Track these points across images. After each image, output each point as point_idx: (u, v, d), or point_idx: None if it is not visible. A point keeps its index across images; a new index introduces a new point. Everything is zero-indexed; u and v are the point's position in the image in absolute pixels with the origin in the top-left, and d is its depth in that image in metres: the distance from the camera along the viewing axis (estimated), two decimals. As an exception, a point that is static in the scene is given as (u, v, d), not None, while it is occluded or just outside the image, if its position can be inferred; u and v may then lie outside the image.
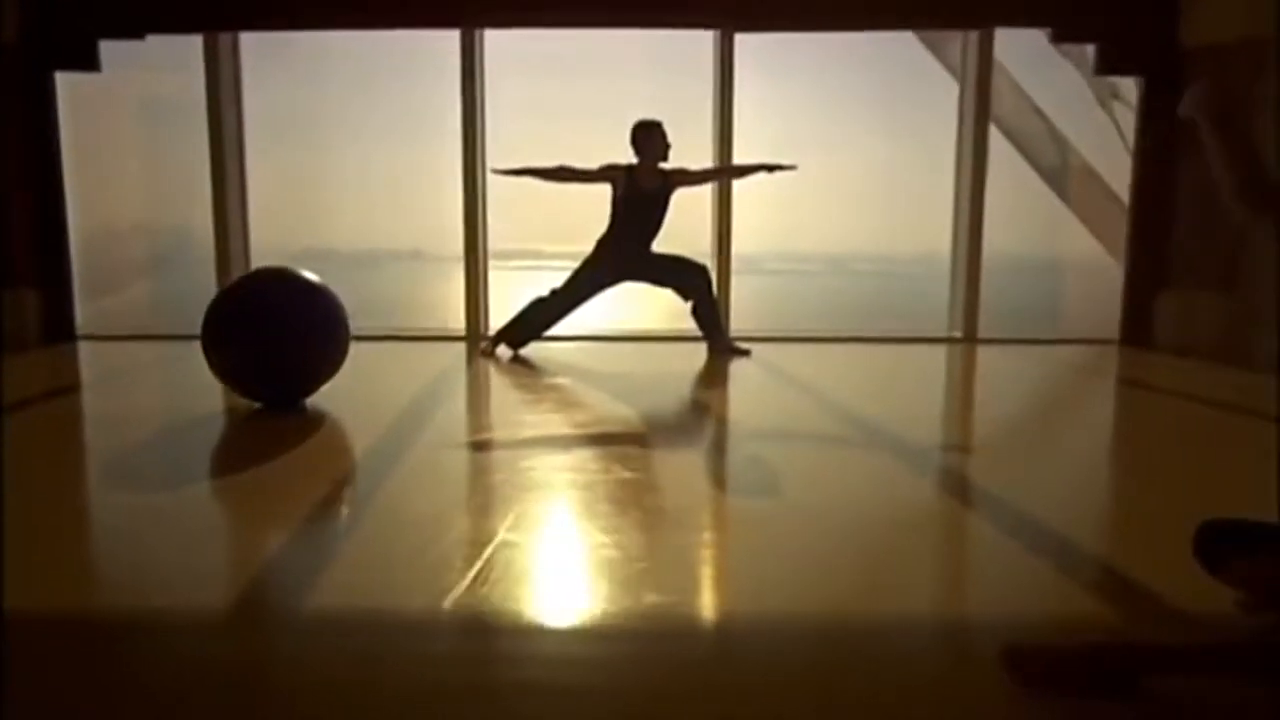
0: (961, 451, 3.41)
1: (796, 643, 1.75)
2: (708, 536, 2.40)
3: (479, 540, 2.25)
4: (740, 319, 6.14)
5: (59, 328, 5.84)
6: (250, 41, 6.13)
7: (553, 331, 5.56)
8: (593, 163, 5.32)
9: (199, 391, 3.96)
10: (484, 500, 2.70)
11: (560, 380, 4.87)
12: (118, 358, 5.59)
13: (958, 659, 1.72)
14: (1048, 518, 2.47)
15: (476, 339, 5.99)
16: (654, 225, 5.40)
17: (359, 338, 5.98)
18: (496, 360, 5.35)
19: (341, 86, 8.28)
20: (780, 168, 5.28)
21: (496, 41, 6.14)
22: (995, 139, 7.41)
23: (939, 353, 5.90)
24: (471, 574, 2.01)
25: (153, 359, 5.52)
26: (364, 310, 10.86)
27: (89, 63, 5.61)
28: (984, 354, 5.83)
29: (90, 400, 4.49)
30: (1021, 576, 2.09)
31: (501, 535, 2.28)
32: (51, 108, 5.68)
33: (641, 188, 5.31)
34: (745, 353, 5.54)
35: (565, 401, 4.44)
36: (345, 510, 2.63)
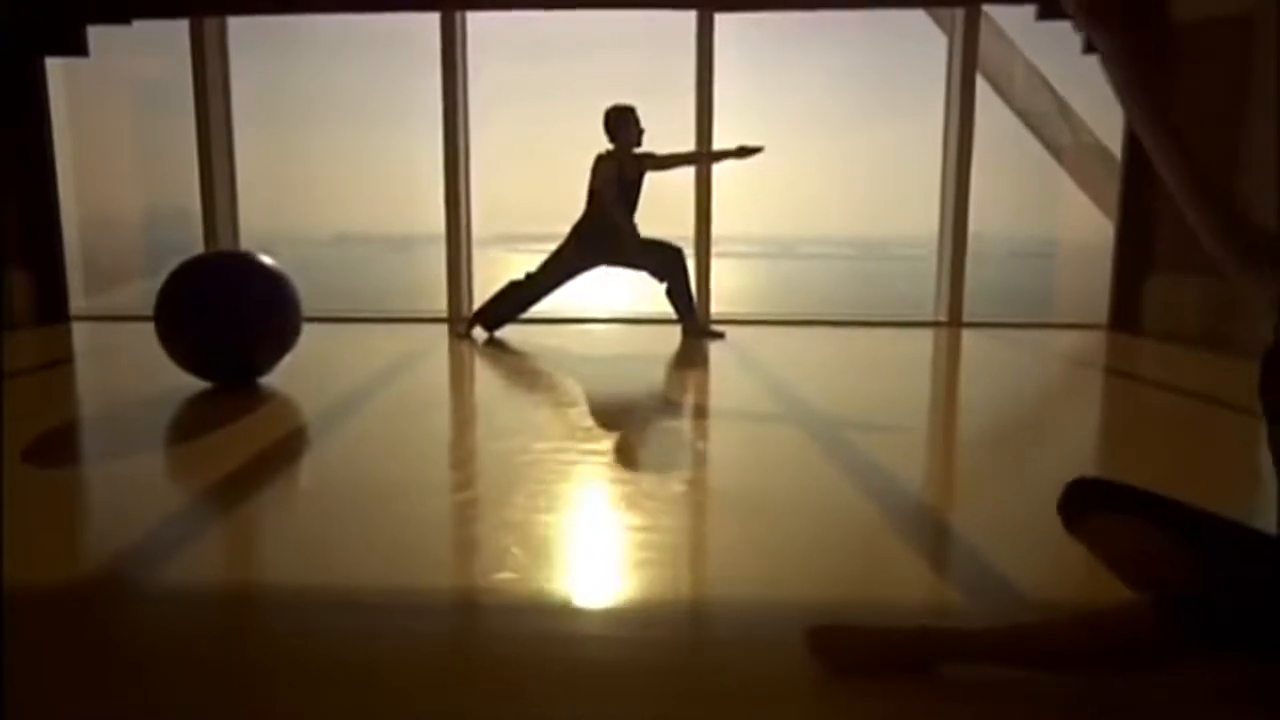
0: (880, 433, 3.36)
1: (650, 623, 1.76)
2: (613, 516, 2.42)
3: (381, 510, 2.29)
4: (765, 303, 6.09)
5: (53, 309, 5.99)
6: (273, 28, 6.22)
7: (528, 314, 5.60)
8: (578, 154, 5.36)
9: (166, 370, 4.03)
10: (401, 473, 2.74)
11: (526, 360, 4.92)
12: (104, 338, 5.72)
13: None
14: (966, 508, 2.45)
15: (459, 321, 6.04)
16: (632, 211, 5.40)
17: (341, 319, 6.16)
18: (472, 341, 5.40)
19: (370, 71, 8.38)
20: (750, 151, 5.20)
21: (480, 25, 6.17)
22: (1007, 120, 7.32)
23: (919, 337, 5.83)
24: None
25: (138, 339, 5.64)
26: (385, 293, 11.01)
27: (78, 48, 5.73)
28: (966, 339, 5.74)
29: (58, 378, 4.61)
30: (913, 567, 2.07)
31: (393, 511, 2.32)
32: (42, 93, 5.80)
33: (626, 175, 5.31)
34: (719, 335, 5.53)
35: (523, 382, 4.50)
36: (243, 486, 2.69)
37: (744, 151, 5.17)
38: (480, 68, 6.40)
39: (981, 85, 7.05)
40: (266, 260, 3.96)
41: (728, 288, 10.55)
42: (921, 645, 1.53)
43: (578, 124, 5.59)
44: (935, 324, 6.12)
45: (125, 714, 1.42)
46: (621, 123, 5.26)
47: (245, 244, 6.18)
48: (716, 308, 6.25)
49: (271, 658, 1.61)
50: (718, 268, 6.28)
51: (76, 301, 6.37)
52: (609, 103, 5.35)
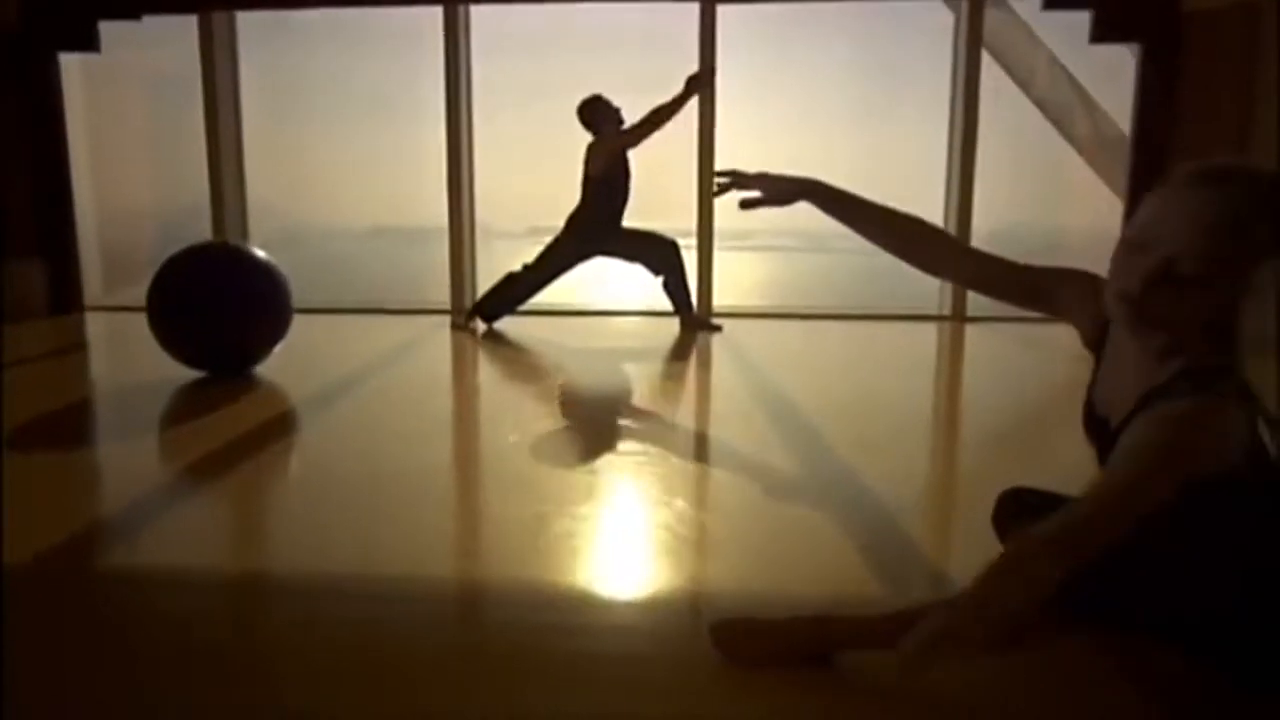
0: (865, 428, 3.34)
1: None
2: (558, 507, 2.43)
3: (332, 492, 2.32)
4: (786, 297, 6.01)
5: (66, 298, 6.12)
6: (301, 21, 6.32)
7: (528, 305, 5.62)
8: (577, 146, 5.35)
9: (168, 359, 4.10)
10: (383, 461, 2.77)
11: (519, 352, 4.95)
12: (115, 327, 5.84)
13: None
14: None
15: (461, 312, 6.07)
16: (626, 195, 5.40)
17: (345, 310, 6.23)
18: (471, 333, 5.44)
19: (404, 63, 8.44)
20: (699, 81, 5.06)
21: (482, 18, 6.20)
22: (1027, 111, 7.23)
23: (921, 330, 5.76)
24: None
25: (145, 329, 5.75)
26: (405, 284, 11.09)
27: (89, 43, 5.84)
28: (969, 333, 5.67)
29: (59, 366, 4.71)
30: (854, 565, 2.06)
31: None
32: (55, 87, 5.92)
33: (619, 155, 5.30)
34: (717, 328, 5.51)
35: (511, 374, 4.54)
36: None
37: (694, 82, 5.06)
38: (511, 62, 6.44)
39: (1003, 77, 6.98)
40: (255, 251, 4.03)
41: (752, 281, 10.53)
42: (817, 635, 1.53)
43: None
44: (939, 318, 6.05)
45: (125, 701, 1.43)
46: (596, 112, 5.30)
47: (279, 238, 6.25)
48: (734, 300, 6.23)
49: (271, 645, 1.63)
50: (746, 261, 6.26)
51: (96, 294, 6.52)
52: (619, 97, 5.34)
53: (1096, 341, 1.51)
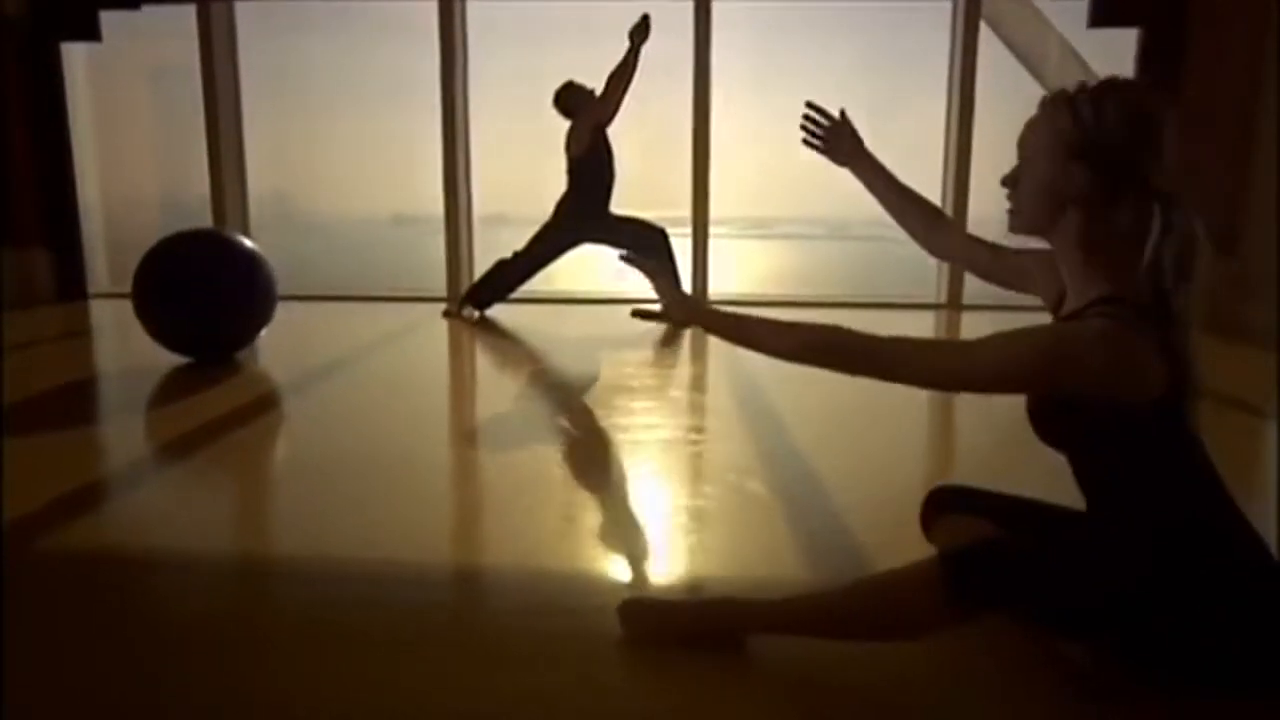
0: (846, 421, 3.32)
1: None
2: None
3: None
4: (797, 285, 5.98)
5: (71, 286, 6.21)
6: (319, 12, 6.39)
7: (520, 292, 5.63)
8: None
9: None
10: (363, 445, 2.80)
11: (506, 340, 4.98)
12: (119, 315, 5.91)
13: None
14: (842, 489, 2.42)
15: (455, 300, 6.10)
16: (611, 177, 5.39)
17: (338, 298, 6.28)
18: (464, 320, 5.47)
19: (417, 51, 8.47)
20: (641, 31, 5.01)
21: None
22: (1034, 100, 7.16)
23: (916, 318, 5.71)
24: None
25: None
26: (420, 272, 11.19)
27: (90, 33, 5.90)
28: (965, 321, 5.62)
29: (57, 352, 4.79)
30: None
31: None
32: (58, 76, 5.99)
33: (601, 126, 5.30)
34: (711, 316, 5.48)
35: (494, 362, 4.57)
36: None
37: (636, 34, 5.00)
38: (517, 55, 6.45)
39: (1005, 67, 6.88)
40: (237, 237, 4.07)
41: (770, 269, 10.46)
42: (724, 617, 1.54)
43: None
44: (935, 306, 6.00)
45: (117, 681, 1.45)
46: (571, 97, 5.30)
47: (307, 228, 6.31)
48: (748, 289, 6.21)
49: (265, 626, 1.64)
50: (767, 250, 6.25)
51: (103, 281, 6.61)
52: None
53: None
